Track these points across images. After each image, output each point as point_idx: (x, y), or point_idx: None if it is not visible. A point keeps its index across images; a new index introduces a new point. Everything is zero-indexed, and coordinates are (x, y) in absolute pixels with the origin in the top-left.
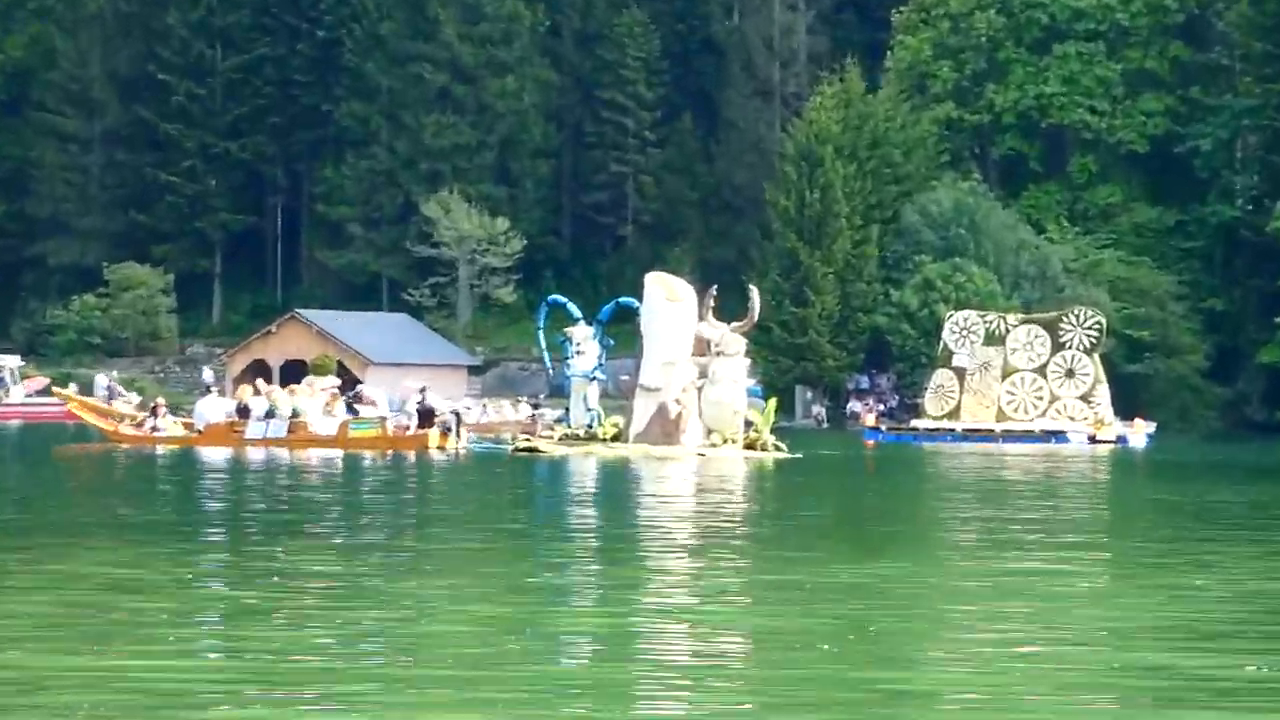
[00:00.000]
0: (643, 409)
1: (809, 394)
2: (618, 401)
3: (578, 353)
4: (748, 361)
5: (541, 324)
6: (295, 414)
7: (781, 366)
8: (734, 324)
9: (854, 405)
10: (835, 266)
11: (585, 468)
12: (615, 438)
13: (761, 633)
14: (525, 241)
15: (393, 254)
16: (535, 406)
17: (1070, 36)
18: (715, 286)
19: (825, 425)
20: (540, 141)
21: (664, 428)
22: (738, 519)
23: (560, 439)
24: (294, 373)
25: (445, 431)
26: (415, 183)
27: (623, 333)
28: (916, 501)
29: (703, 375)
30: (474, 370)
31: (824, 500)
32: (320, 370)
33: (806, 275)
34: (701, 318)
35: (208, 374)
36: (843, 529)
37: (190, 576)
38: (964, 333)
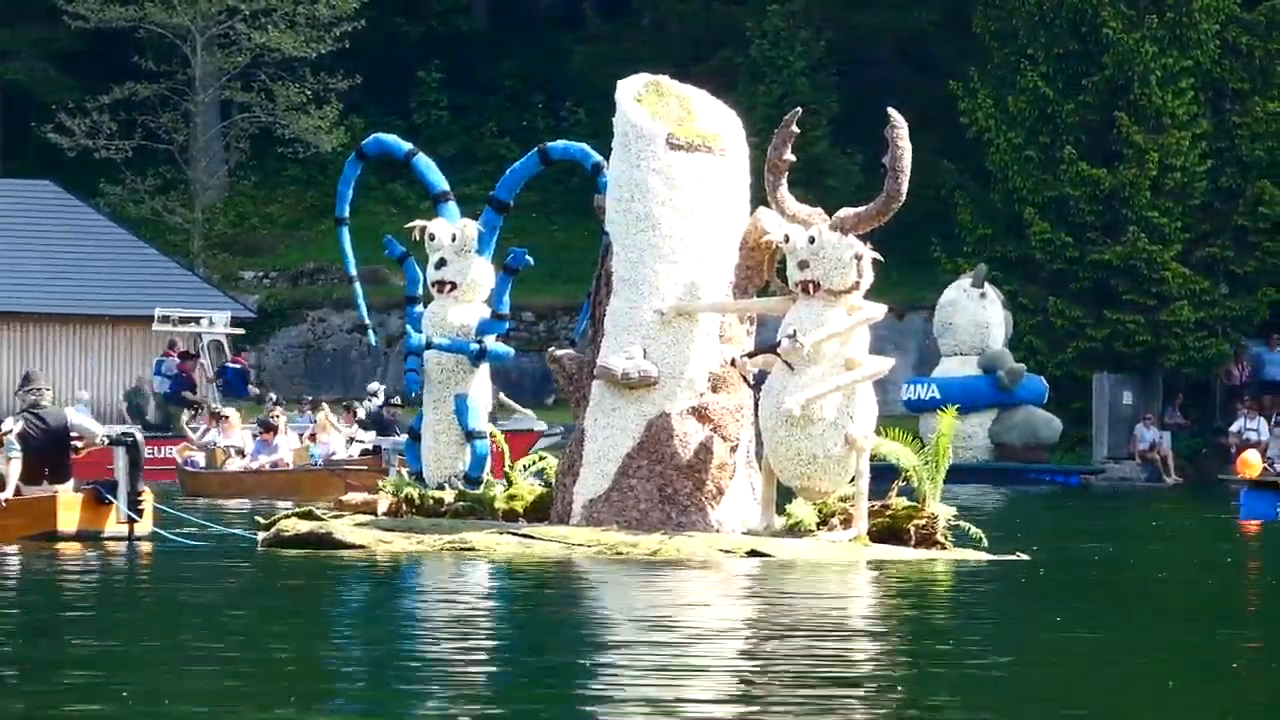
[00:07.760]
0: (603, 431)
1: (1130, 398)
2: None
3: (440, 286)
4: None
5: (345, 207)
6: None
7: (1049, 324)
8: (850, 210)
9: (1243, 425)
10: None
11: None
12: (538, 508)
13: None
14: None
15: None
16: (382, 413)
17: None
18: (797, 110)
19: (1173, 479)
20: None
21: (661, 484)
22: None
23: (394, 506)
24: None
25: (100, 497)
26: None
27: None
28: None
29: (761, 349)
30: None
31: None
32: None
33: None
34: (772, 190)
35: None
36: None
37: None
38: None
